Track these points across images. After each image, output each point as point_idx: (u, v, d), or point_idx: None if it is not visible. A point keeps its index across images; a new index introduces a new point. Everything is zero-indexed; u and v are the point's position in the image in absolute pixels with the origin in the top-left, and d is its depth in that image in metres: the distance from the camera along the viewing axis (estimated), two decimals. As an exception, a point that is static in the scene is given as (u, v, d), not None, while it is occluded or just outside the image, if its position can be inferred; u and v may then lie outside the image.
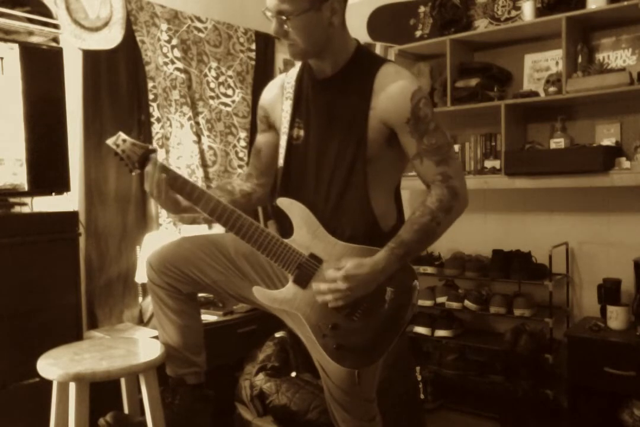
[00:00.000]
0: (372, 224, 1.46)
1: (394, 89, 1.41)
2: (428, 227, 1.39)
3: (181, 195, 1.49)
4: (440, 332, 2.93)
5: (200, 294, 2.00)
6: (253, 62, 3.34)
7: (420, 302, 3.00)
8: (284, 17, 1.36)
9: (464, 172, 1.49)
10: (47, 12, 2.39)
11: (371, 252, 1.40)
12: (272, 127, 1.63)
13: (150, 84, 2.79)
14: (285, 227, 1.50)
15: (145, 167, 1.48)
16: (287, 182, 1.55)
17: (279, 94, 1.59)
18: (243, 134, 3.26)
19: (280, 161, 1.56)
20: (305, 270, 1.45)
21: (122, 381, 1.78)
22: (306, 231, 1.47)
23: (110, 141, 1.50)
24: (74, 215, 2.19)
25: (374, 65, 1.45)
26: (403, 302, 1.45)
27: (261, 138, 1.67)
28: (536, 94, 2.78)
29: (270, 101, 1.63)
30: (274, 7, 1.36)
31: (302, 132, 1.52)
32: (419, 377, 2.89)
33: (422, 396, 2.87)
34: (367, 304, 1.43)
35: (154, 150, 1.53)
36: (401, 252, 1.38)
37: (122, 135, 1.50)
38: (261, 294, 1.49)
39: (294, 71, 1.59)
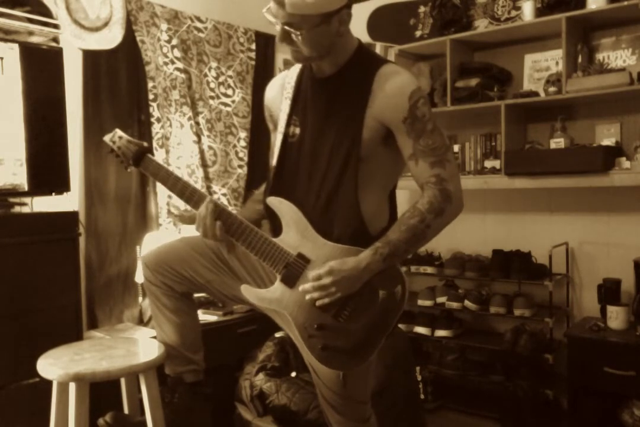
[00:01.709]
0: (360, 225, 1.44)
1: (392, 88, 1.40)
2: (416, 228, 1.37)
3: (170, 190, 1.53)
4: (440, 332, 2.93)
5: (200, 294, 2.01)
6: (253, 62, 3.34)
7: (420, 302, 3.00)
8: (294, 31, 1.34)
9: (460, 176, 1.48)
10: (47, 12, 2.39)
11: (359, 253, 1.40)
12: (277, 126, 1.63)
13: (150, 84, 2.79)
14: (277, 226, 1.51)
15: (140, 165, 1.53)
16: (280, 180, 1.55)
17: (280, 92, 1.59)
18: (243, 134, 3.26)
19: (274, 160, 1.56)
20: (293, 269, 1.45)
21: (122, 381, 1.78)
22: (295, 231, 1.47)
23: (107, 138, 1.55)
24: (74, 215, 2.19)
25: (374, 64, 1.45)
26: (389, 306, 1.44)
27: (274, 138, 1.66)
28: (536, 94, 2.78)
29: (272, 100, 1.63)
30: (283, 18, 1.34)
31: (297, 130, 1.52)
32: (419, 377, 2.89)
33: (422, 396, 2.87)
34: (354, 306, 1.42)
35: (149, 149, 1.56)
36: (386, 251, 1.37)
37: (118, 132, 1.55)
38: (249, 293, 1.50)
39: (295, 70, 1.59)
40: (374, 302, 1.42)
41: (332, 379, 1.49)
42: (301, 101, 1.53)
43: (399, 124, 1.40)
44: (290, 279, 1.45)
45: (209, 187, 3.07)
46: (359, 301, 1.42)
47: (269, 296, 1.48)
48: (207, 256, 1.61)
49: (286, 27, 1.35)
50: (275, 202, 1.50)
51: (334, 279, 1.36)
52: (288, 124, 1.53)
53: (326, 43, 1.40)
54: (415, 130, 1.39)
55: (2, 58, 2.09)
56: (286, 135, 1.54)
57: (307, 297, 1.39)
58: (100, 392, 1.71)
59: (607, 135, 2.72)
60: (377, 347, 1.44)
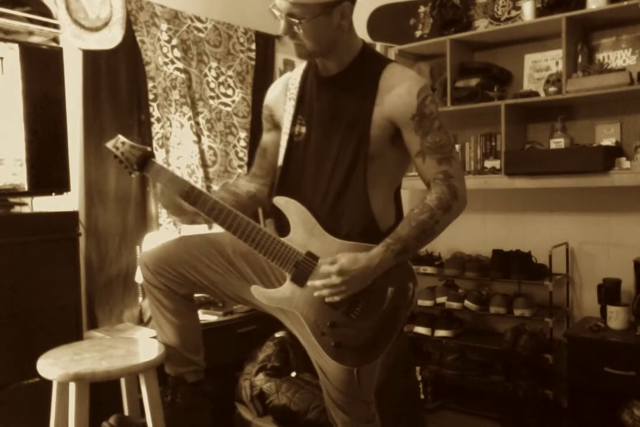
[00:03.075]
0: (370, 222, 1.45)
1: (400, 86, 1.41)
2: (426, 224, 1.38)
3: (178, 195, 1.48)
4: (440, 332, 2.93)
5: (200, 294, 2.00)
6: (253, 62, 3.33)
7: (420, 302, 3.00)
8: (294, 20, 1.36)
9: (464, 173, 1.50)
10: (47, 12, 2.39)
11: (368, 249, 1.40)
12: (277, 125, 1.63)
13: (150, 84, 2.79)
14: (284, 225, 1.50)
15: (144, 170, 1.49)
16: (286, 180, 1.55)
17: (283, 93, 1.59)
18: (243, 134, 3.26)
19: (280, 159, 1.56)
20: (302, 268, 1.45)
21: (122, 381, 1.78)
22: (302, 229, 1.47)
23: (109, 144, 1.51)
24: (74, 215, 2.19)
25: (380, 64, 1.47)
26: (401, 302, 1.45)
27: (266, 137, 1.68)
28: (536, 94, 2.78)
29: (274, 100, 1.63)
30: (285, 10, 1.36)
31: (303, 129, 1.52)
32: (419, 377, 2.89)
33: (422, 396, 2.87)
34: (365, 302, 1.42)
35: (152, 153, 1.54)
36: (398, 248, 1.38)
37: (121, 137, 1.52)
38: (259, 293, 1.49)
39: (299, 70, 1.60)
40: (386, 297, 1.43)
41: (340, 378, 1.49)
42: (306, 100, 1.54)
43: (408, 121, 1.41)
44: (301, 278, 1.45)
45: (208, 187, 3.07)
46: (370, 297, 1.42)
47: (279, 295, 1.47)
48: (211, 255, 1.59)
49: (289, 18, 1.36)
50: (281, 201, 1.50)
51: (344, 279, 1.36)
52: (293, 124, 1.54)
53: (328, 36, 1.41)
54: (423, 127, 1.40)
55: (2, 58, 2.08)
56: (292, 135, 1.54)
57: (316, 293, 1.39)
58: (100, 392, 1.71)
59: (607, 135, 2.72)
60: (389, 342, 1.45)
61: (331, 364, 1.46)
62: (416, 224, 1.38)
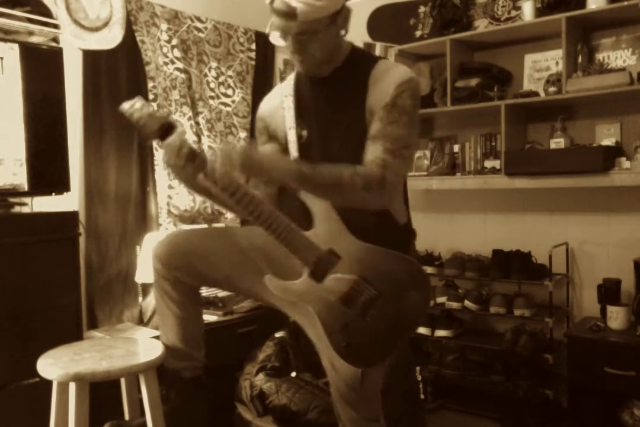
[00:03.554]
0: (385, 215, 1.47)
1: (385, 79, 1.43)
2: (342, 181, 1.36)
3: (199, 173, 1.39)
4: (440, 332, 2.93)
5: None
6: (253, 62, 3.34)
7: (420, 302, 3.00)
8: (306, 37, 1.37)
9: (401, 178, 1.51)
10: (47, 12, 2.39)
11: (387, 253, 1.42)
12: (272, 137, 1.64)
13: (150, 84, 2.79)
14: (308, 220, 1.48)
15: (168, 137, 1.36)
16: None
17: (278, 100, 1.61)
18: (243, 134, 3.26)
19: (295, 154, 1.55)
20: (322, 265, 1.44)
21: (122, 381, 1.78)
22: (327, 227, 1.46)
23: (126, 105, 1.38)
24: (74, 215, 2.19)
25: (370, 62, 1.49)
26: (415, 307, 1.46)
27: (262, 150, 1.67)
28: (536, 94, 2.78)
29: (269, 110, 1.64)
30: (295, 29, 1.36)
31: (304, 132, 1.54)
32: (419, 377, 2.89)
33: (422, 396, 2.87)
34: (380, 306, 1.43)
35: (175, 123, 1.41)
36: (308, 172, 1.35)
37: (140, 100, 1.38)
38: (274, 284, 1.46)
39: (290, 78, 1.62)
40: (401, 303, 1.44)
41: (351, 375, 1.48)
42: (303, 103, 1.55)
43: (379, 109, 1.42)
44: (319, 274, 1.44)
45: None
46: (386, 301, 1.43)
47: (295, 288, 1.46)
48: (226, 248, 1.58)
49: (300, 37, 1.37)
50: (308, 196, 1.48)
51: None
52: (294, 127, 1.55)
53: (333, 44, 1.44)
54: (389, 117, 1.40)
55: (2, 58, 2.09)
56: (295, 138, 1.55)
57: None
58: (100, 392, 1.71)
59: (607, 135, 2.72)
60: (398, 344, 1.46)
61: (343, 360, 1.46)
62: (336, 174, 1.36)
